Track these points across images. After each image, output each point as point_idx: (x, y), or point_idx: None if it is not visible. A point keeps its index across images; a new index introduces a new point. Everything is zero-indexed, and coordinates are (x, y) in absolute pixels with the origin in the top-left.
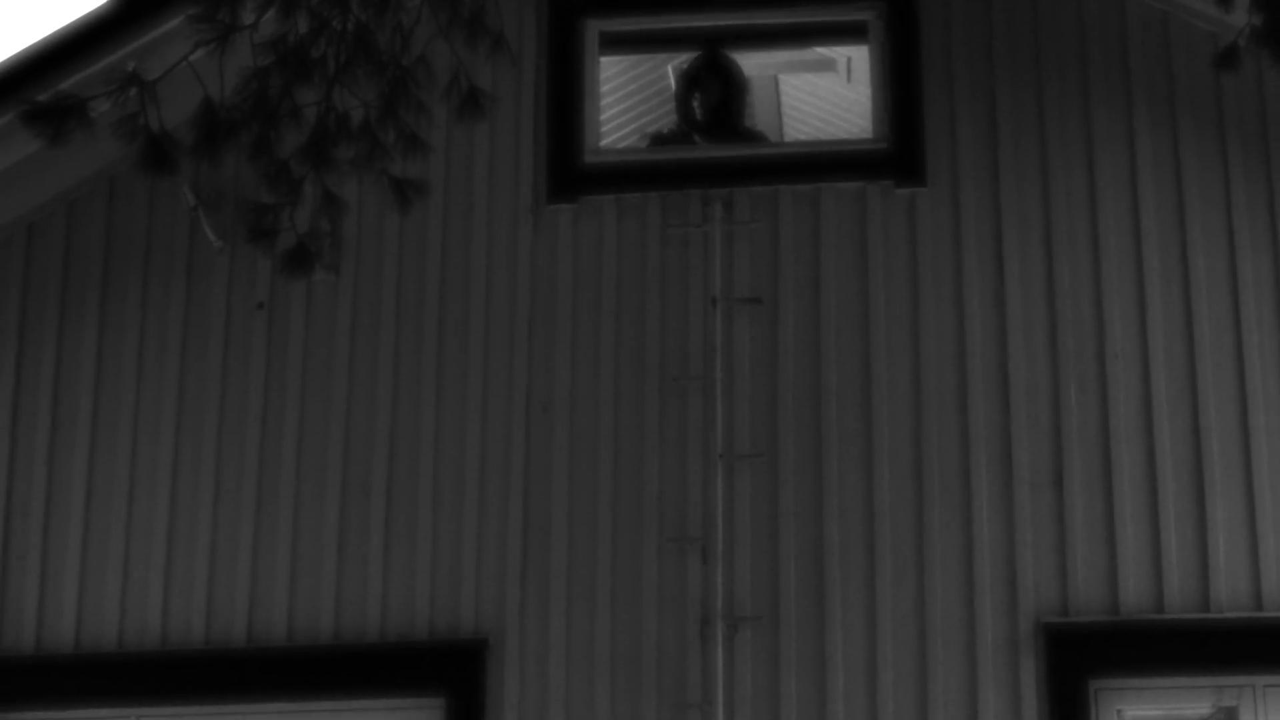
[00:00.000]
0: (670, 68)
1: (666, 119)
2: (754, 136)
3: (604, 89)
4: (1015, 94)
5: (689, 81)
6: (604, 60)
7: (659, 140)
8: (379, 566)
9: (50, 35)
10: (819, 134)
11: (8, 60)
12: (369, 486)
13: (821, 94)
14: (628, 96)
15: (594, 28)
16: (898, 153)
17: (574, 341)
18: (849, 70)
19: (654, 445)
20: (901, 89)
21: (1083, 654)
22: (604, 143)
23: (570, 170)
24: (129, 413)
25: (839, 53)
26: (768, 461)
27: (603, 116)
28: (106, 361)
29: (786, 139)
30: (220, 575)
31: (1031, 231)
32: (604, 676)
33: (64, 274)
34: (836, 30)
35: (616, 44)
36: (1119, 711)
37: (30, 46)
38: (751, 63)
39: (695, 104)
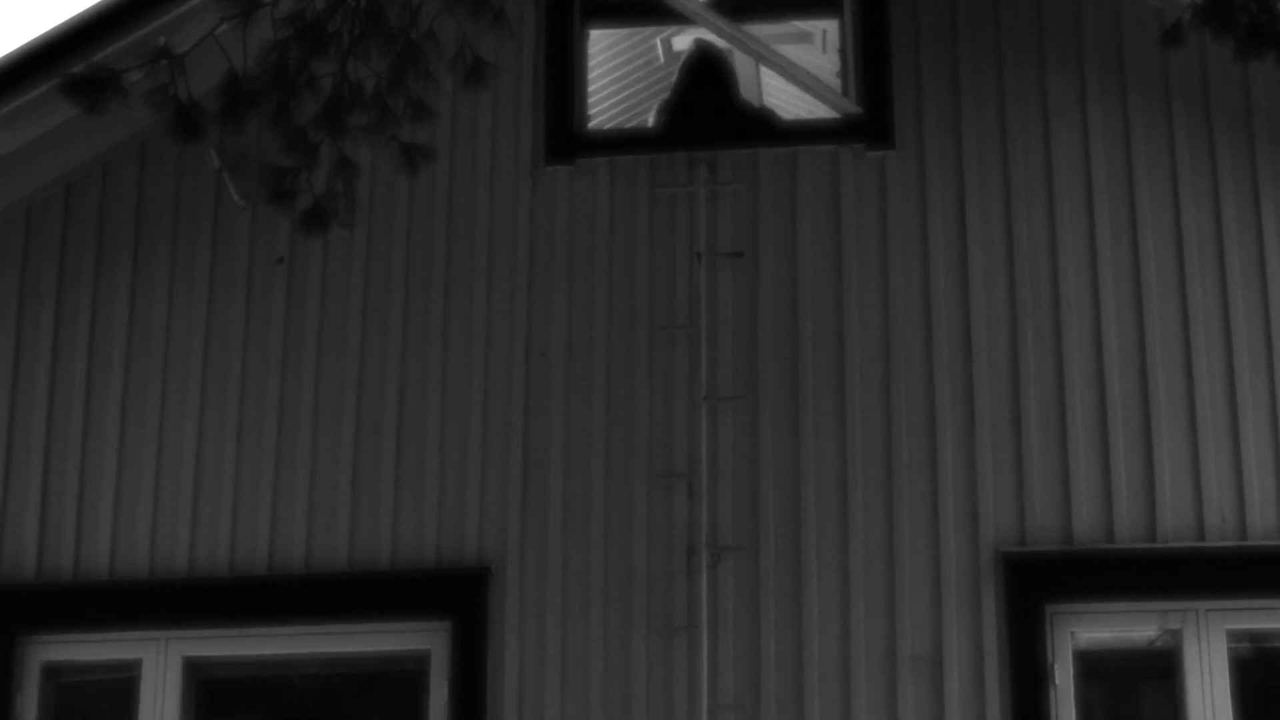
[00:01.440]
0: (658, 40)
1: (658, 85)
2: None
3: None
4: (977, 65)
5: (688, 75)
6: (598, 35)
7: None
8: (390, 500)
9: (86, 11)
10: (796, 101)
11: (47, 34)
12: (380, 426)
13: (799, 64)
14: (620, 67)
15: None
16: (868, 119)
17: (569, 292)
18: (824, 42)
19: (643, 388)
20: (871, 59)
21: (1039, 581)
22: (596, 110)
23: (566, 135)
24: (159, 359)
25: (815, 26)
26: (748, 404)
27: (597, 86)
28: (138, 311)
29: (766, 106)
30: (243, 508)
31: (992, 192)
32: (597, 601)
33: (99, 231)
34: (812, 4)
35: (604, 15)
36: (1073, 634)
37: (68, 21)
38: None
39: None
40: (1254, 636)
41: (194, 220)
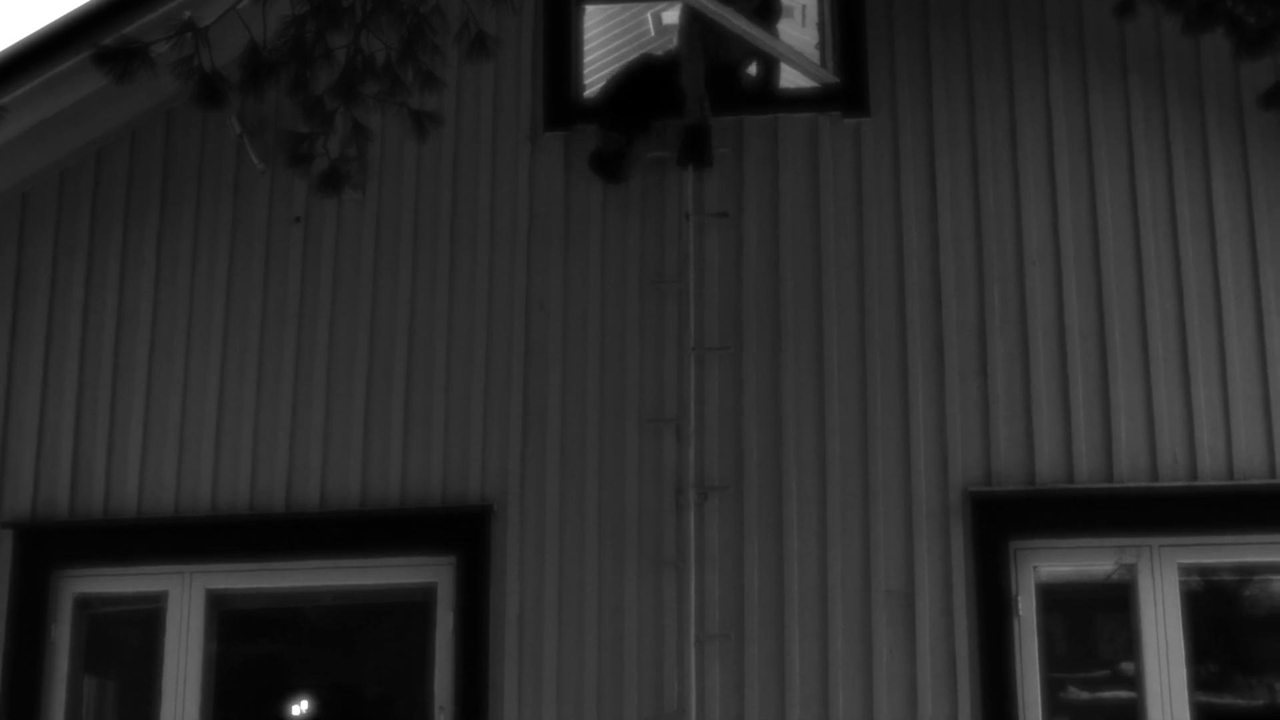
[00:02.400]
0: (649, 15)
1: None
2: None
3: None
4: (946, 37)
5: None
6: (593, 10)
7: (648, 61)
8: (399, 443)
9: None
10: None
11: (80, 9)
12: (390, 374)
13: (781, 37)
14: (614, 40)
15: None
16: (845, 88)
17: (566, 250)
18: (804, 16)
19: (635, 339)
20: (847, 33)
21: (1004, 519)
22: (591, 80)
23: (563, 103)
24: (184, 311)
25: (795, 1)
26: (733, 354)
27: (592, 58)
28: (164, 266)
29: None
30: (262, 450)
31: (960, 156)
32: (592, 537)
33: (128, 192)
34: None
35: None
36: (1035, 568)
37: None
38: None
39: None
40: (1203, 570)
41: (217, 182)
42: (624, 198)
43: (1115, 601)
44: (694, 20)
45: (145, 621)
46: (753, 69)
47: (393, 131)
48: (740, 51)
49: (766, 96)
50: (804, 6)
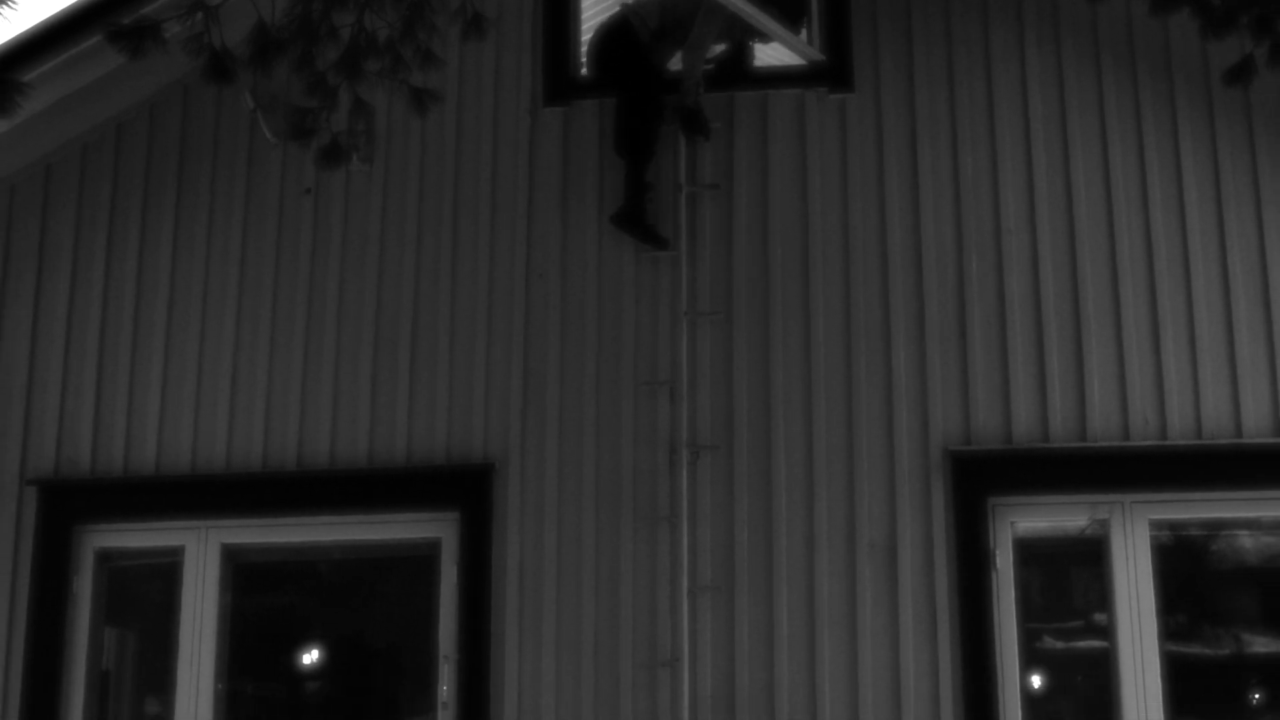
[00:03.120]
0: None
1: None
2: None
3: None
4: (927, 16)
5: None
6: None
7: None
8: (405, 404)
9: None
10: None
11: None
12: (397, 340)
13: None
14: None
15: None
16: (830, 65)
17: (564, 220)
18: None
19: (630, 304)
20: (833, 12)
21: (982, 476)
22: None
23: (562, 79)
24: (200, 278)
25: None
26: (724, 319)
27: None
28: (181, 235)
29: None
30: (275, 411)
31: (940, 129)
32: (589, 494)
33: (146, 164)
34: None
35: None
36: (1012, 523)
37: None
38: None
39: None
40: (1173, 525)
41: (231, 155)
42: (619, 171)
43: (1089, 555)
44: (710, 12)
45: (163, 574)
46: (722, 48)
47: (397, 108)
48: (740, 31)
49: (756, 75)
50: None
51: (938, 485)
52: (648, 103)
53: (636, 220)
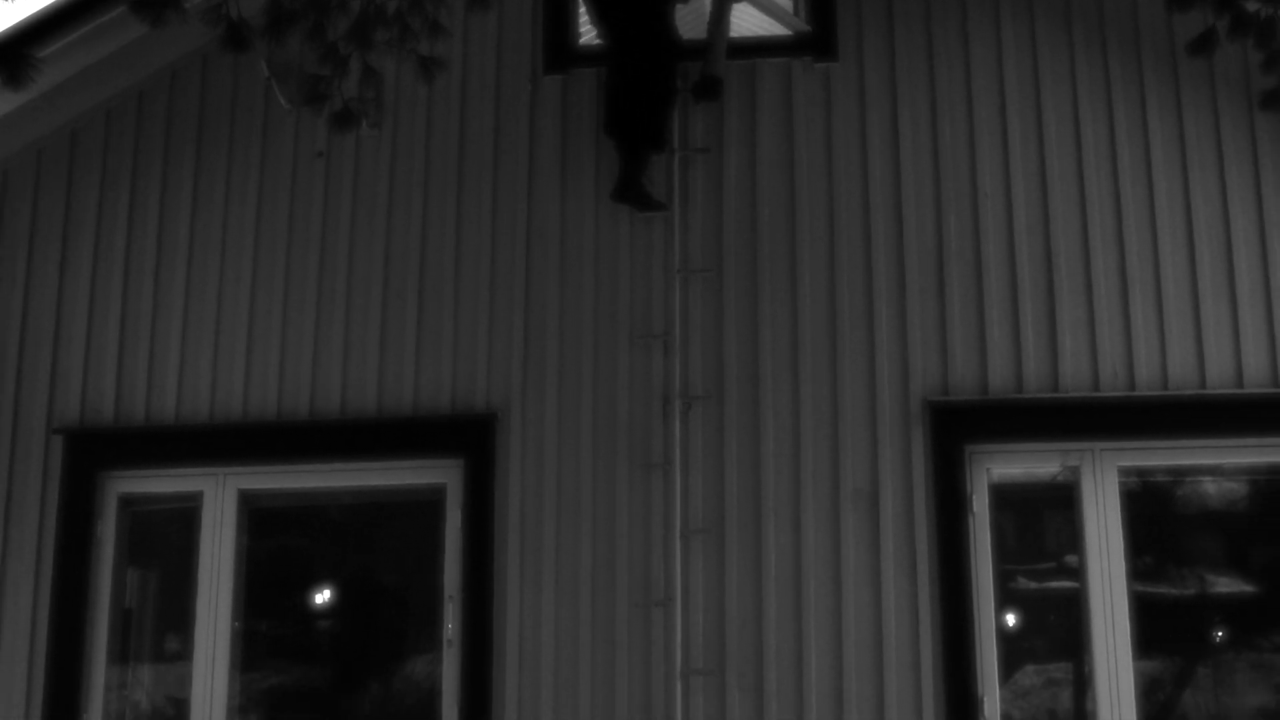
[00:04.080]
0: None
1: None
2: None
3: None
4: None
5: None
6: None
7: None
8: (412, 356)
9: None
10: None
11: None
12: (404, 295)
13: None
14: None
15: None
16: (816, 36)
17: (563, 183)
18: None
19: (625, 262)
20: None
21: (959, 425)
22: (587, 28)
23: (561, 49)
24: (217, 236)
25: None
26: (715, 276)
27: None
28: (200, 195)
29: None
30: (288, 363)
31: (920, 98)
32: (587, 442)
33: (167, 129)
34: None
35: None
36: (988, 470)
37: None
38: None
39: None
40: (1140, 472)
41: (247, 120)
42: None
43: (1060, 500)
44: None
45: (182, 518)
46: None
47: (407, 75)
48: None
49: (745, 44)
50: None
51: (917, 434)
52: (669, 79)
53: (637, 190)
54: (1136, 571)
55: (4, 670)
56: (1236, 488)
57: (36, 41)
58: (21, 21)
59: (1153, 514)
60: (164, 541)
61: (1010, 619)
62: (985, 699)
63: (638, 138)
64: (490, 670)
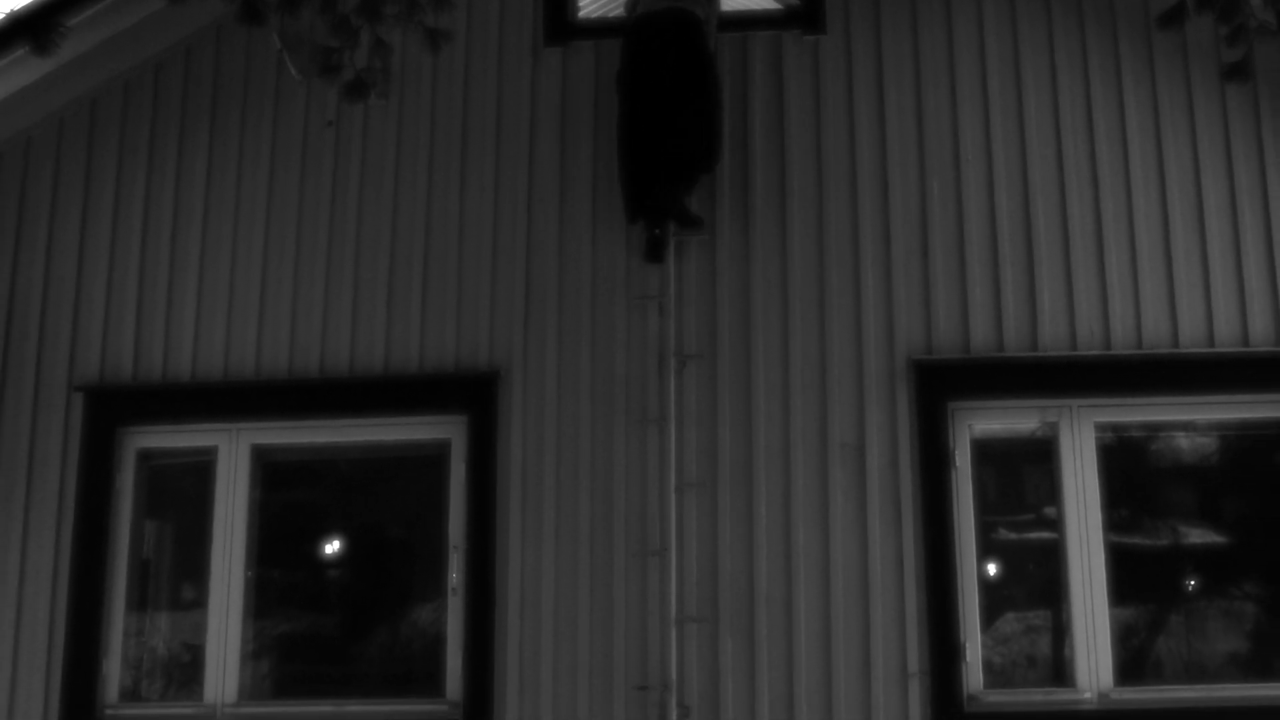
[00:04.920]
0: None
1: None
2: None
3: None
4: None
5: None
6: None
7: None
8: (417, 317)
9: None
10: None
11: None
12: (410, 258)
13: None
14: None
15: None
16: (805, 9)
17: (562, 149)
18: None
19: (621, 226)
20: None
21: (943, 382)
22: (586, 2)
23: (561, 22)
24: (230, 201)
25: None
26: (708, 240)
27: None
28: (215, 163)
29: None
30: (299, 323)
31: (904, 68)
32: (585, 399)
33: (183, 99)
34: None
35: None
36: (970, 425)
37: None
38: None
39: None
40: (1116, 427)
41: (260, 90)
42: (612, 104)
43: (1039, 454)
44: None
45: (198, 471)
46: None
47: (411, 46)
48: None
49: (737, 18)
50: None
51: (902, 391)
52: (717, 117)
53: (679, 213)
54: (1112, 523)
55: (28, 617)
56: (1208, 442)
57: (61, 13)
58: None
59: (1128, 468)
60: (180, 494)
61: (991, 568)
62: (967, 645)
63: (689, 172)
64: (493, 617)
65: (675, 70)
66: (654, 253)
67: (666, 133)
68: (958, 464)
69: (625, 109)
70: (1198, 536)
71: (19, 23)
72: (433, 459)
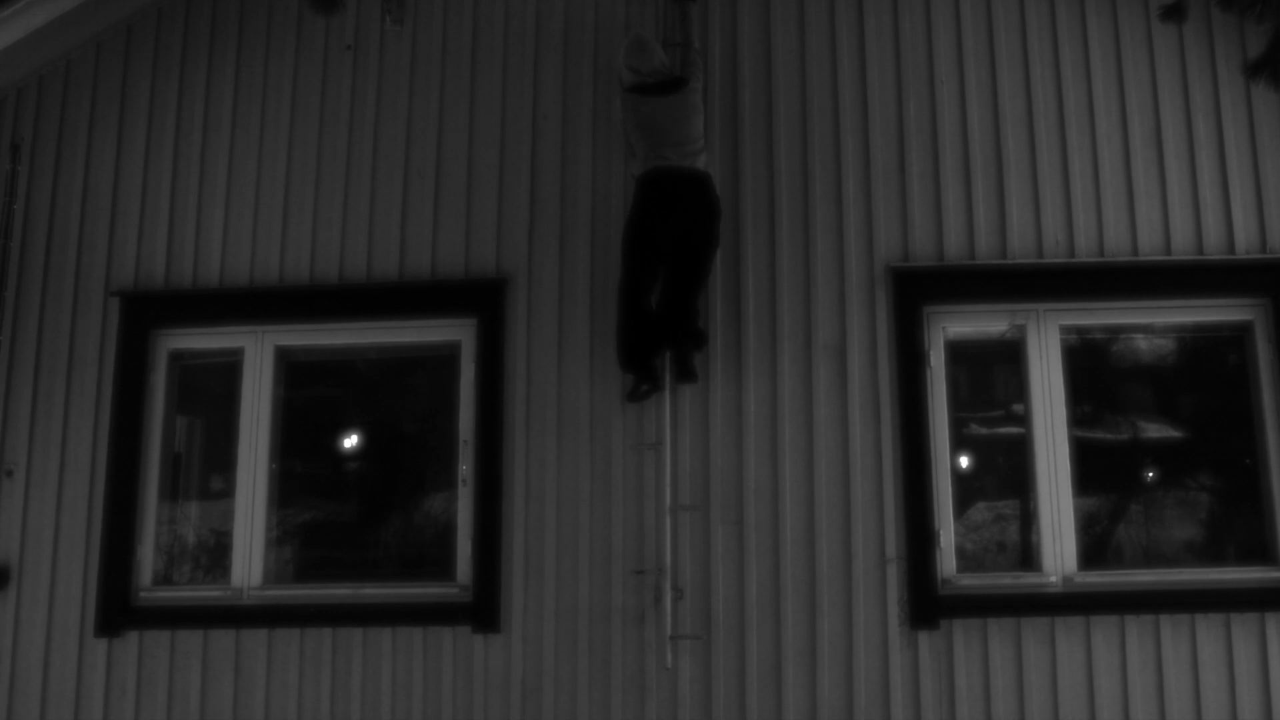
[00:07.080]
0: None
1: None
2: None
3: None
4: None
5: None
6: None
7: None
8: (430, 227)
9: None
10: None
11: None
12: (424, 172)
13: None
14: None
15: None
16: None
17: (565, 72)
18: None
19: (619, 144)
20: None
21: (918, 288)
22: None
23: None
24: (256, 121)
25: None
26: (704, 149)
27: None
28: (241, 84)
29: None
30: (320, 232)
31: (885, 19)
32: (584, 302)
33: (211, 25)
34: None
35: None
36: (944, 328)
37: None
38: None
39: None
40: (1079, 330)
41: (284, 17)
42: (611, 33)
43: (1008, 355)
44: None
45: (226, 371)
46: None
47: None
48: None
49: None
50: None
51: (880, 296)
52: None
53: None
54: (1076, 419)
55: (67, 508)
56: (1165, 344)
57: None
58: None
59: (1090, 367)
60: (209, 392)
61: (963, 461)
62: (941, 531)
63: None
64: (500, 506)
65: (690, 243)
66: (633, 397)
67: (679, 314)
68: (932, 364)
69: (632, 265)
70: (1155, 431)
71: None
72: (444, 359)
